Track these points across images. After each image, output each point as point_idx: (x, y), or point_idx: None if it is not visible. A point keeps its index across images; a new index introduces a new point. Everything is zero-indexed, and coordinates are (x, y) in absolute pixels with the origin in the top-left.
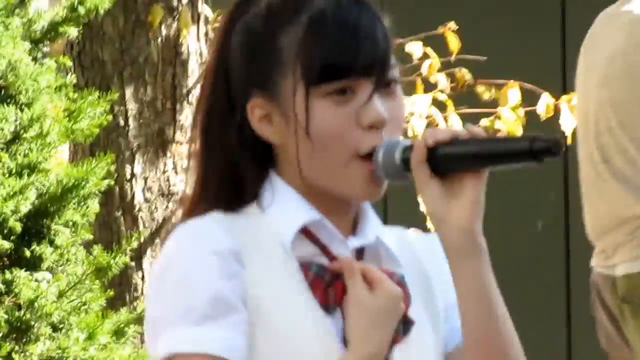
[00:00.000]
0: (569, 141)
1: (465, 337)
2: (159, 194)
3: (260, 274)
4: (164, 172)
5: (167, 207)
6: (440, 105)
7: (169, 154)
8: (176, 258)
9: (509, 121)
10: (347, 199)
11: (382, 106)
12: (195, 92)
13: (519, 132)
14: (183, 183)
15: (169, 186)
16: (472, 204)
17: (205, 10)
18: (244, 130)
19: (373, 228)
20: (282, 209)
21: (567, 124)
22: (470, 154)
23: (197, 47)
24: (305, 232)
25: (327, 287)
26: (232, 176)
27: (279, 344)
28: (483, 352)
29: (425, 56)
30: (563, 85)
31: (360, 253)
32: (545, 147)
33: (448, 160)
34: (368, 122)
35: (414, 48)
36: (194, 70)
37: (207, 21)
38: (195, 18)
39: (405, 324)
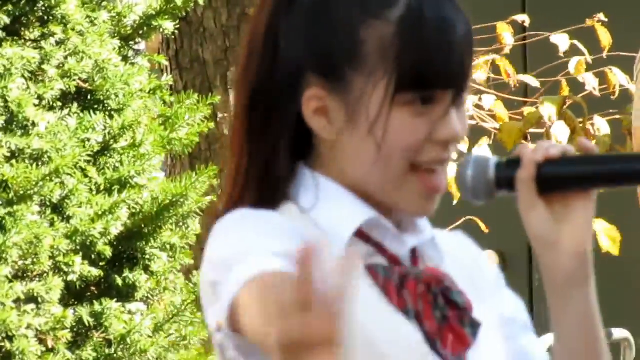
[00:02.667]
0: None
1: None
2: None
3: None
4: None
5: None
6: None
7: None
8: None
9: None
10: (397, 210)
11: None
12: None
13: None
14: None
15: None
16: (585, 226)
17: None
18: (288, 119)
19: (428, 225)
20: (333, 208)
21: None
22: (590, 173)
23: None
24: (358, 231)
25: (400, 289)
26: (273, 170)
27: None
28: None
29: (572, 52)
30: None
31: (414, 251)
32: None
33: (559, 179)
34: (444, 137)
35: (560, 40)
36: None
37: None
38: None
39: (472, 327)
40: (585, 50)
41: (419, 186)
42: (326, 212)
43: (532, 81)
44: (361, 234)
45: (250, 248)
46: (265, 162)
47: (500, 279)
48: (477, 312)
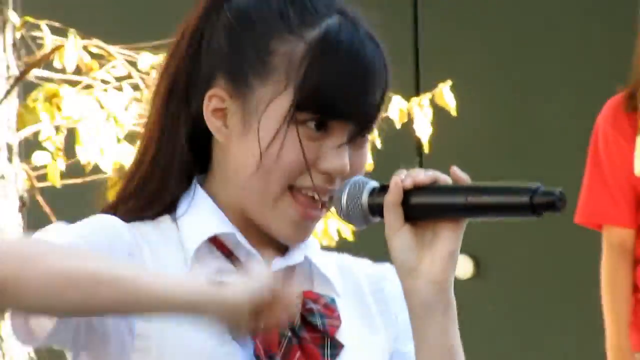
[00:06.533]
0: (425, 150)
1: None
2: None
3: None
4: None
5: None
6: None
7: None
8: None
9: None
10: (269, 233)
11: (348, 156)
12: (2, 110)
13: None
14: None
15: None
16: (448, 256)
17: (11, 16)
18: (193, 121)
19: (303, 249)
20: (195, 218)
21: (422, 130)
22: (456, 203)
23: (3, 59)
24: (220, 246)
25: None
26: (167, 183)
27: None
28: None
29: None
30: (416, 88)
31: (289, 274)
32: (547, 202)
33: (425, 208)
34: (326, 168)
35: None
36: (0, 86)
37: (13, 29)
38: (0, 25)
39: (332, 348)
40: None
41: (294, 211)
42: (187, 221)
43: None
44: (224, 249)
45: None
46: (163, 169)
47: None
48: (353, 338)
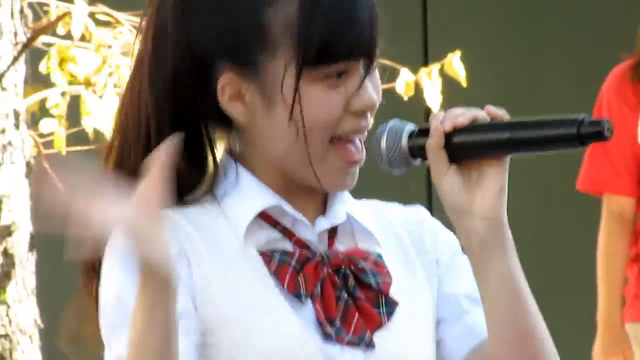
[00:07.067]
0: None
1: (493, 336)
2: None
3: (214, 273)
4: None
5: None
6: None
7: None
8: (107, 283)
9: None
10: (317, 188)
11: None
12: (10, 77)
13: None
14: None
15: None
16: (497, 191)
17: None
18: (206, 109)
19: (342, 203)
20: (239, 197)
21: (433, 98)
22: (500, 140)
23: (10, 25)
24: (266, 217)
25: (297, 273)
26: (188, 164)
27: (247, 345)
28: (513, 352)
29: None
30: (424, 57)
31: (332, 233)
32: (595, 132)
33: (469, 147)
34: (360, 108)
35: None
36: (8, 53)
37: None
38: None
39: (387, 305)
40: None
41: (339, 160)
42: (230, 203)
43: None
44: (270, 220)
45: (122, 319)
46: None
47: (456, 256)
48: (403, 292)
